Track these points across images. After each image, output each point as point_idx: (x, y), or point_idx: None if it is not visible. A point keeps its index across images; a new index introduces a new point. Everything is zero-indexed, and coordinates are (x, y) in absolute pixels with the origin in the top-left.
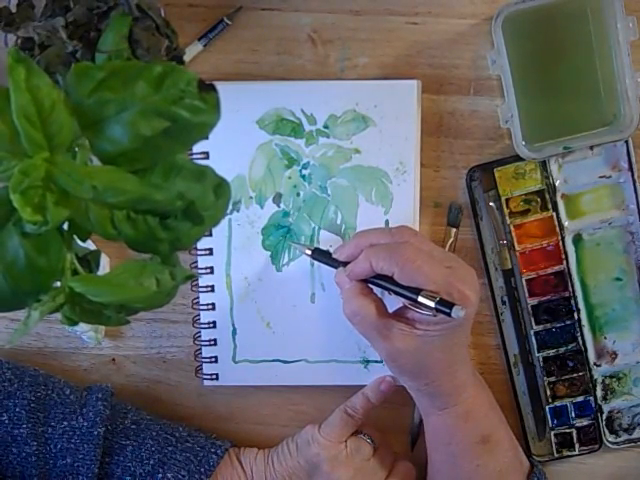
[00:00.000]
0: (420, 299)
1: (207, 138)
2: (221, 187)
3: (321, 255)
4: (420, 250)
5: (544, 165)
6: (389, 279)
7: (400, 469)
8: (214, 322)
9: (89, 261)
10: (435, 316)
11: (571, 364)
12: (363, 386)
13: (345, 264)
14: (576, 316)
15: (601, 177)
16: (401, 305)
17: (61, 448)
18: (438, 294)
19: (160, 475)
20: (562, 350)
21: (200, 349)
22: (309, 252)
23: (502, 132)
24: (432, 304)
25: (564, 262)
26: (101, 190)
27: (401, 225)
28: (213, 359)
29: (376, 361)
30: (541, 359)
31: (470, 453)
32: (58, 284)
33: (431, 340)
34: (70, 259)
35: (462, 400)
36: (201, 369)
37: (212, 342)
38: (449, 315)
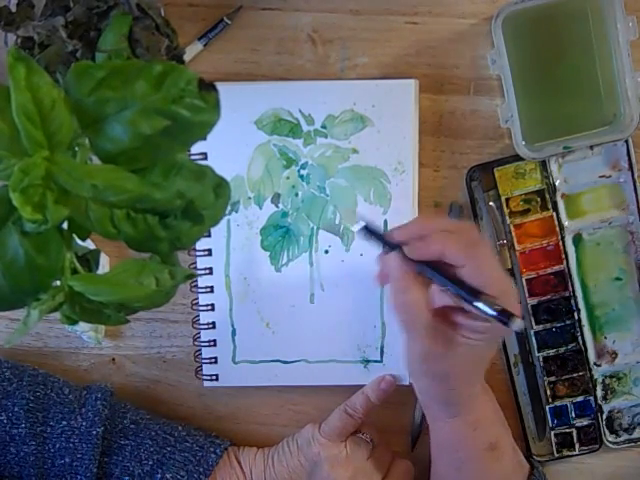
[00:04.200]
0: (479, 304)
1: (205, 139)
2: (221, 186)
3: (371, 233)
4: (492, 252)
5: (544, 165)
6: (447, 273)
7: (398, 468)
8: (213, 323)
9: (89, 260)
10: (489, 322)
11: (571, 364)
12: (363, 386)
13: (397, 248)
14: (576, 316)
15: (601, 177)
16: (443, 304)
17: (60, 447)
18: (497, 301)
19: (159, 475)
20: (562, 350)
21: (200, 350)
22: (357, 227)
23: (502, 132)
24: (492, 312)
25: (564, 262)
26: (101, 189)
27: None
28: (213, 360)
29: (376, 361)
30: (541, 359)
31: (477, 460)
32: (58, 283)
33: (468, 349)
34: (70, 258)
35: (473, 409)
36: (201, 370)
37: (212, 343)
38: (507, 325)
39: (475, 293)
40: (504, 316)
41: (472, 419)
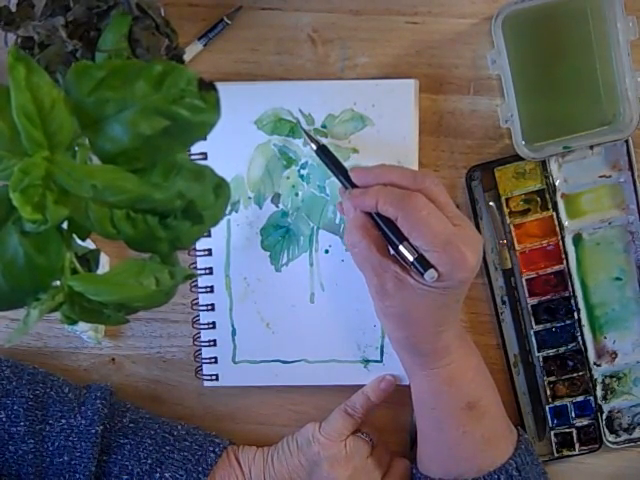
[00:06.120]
0: (401, 248)
1: (205, 139)
2: (221, 187)
3: (330, 161)
4: (433, 201)
5: (544, 165)
6: (390, 222)
7: (397, 467)
8: (214, 323)
9: (88, 260)
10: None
11: (571, 364)
12: (363, 386)
13: (356, 187)
14: (576, 316)
15: (601, 177)
16: None
17: (58, 446)
18: (441, 253)
19: (158, 474)
20: (562, 350)
21: (200, 350)
22: (315, 147)
23: (502, 132)
24: (411, 258)
25: (564, 262)
26: (101, 189)
27: (427, 171)
28: (213, 360)
29: (376, 361)
30: (541, 359)
31: (455, 419)
32: (57, 283)
33: (422, 293)
34: (69, 258)
35: (444, 364)
36: (201, 370)
37: (212, 343)
38: (422, 275)
39: (402, 238)
40: (420, 264)
41: (445, 375)
